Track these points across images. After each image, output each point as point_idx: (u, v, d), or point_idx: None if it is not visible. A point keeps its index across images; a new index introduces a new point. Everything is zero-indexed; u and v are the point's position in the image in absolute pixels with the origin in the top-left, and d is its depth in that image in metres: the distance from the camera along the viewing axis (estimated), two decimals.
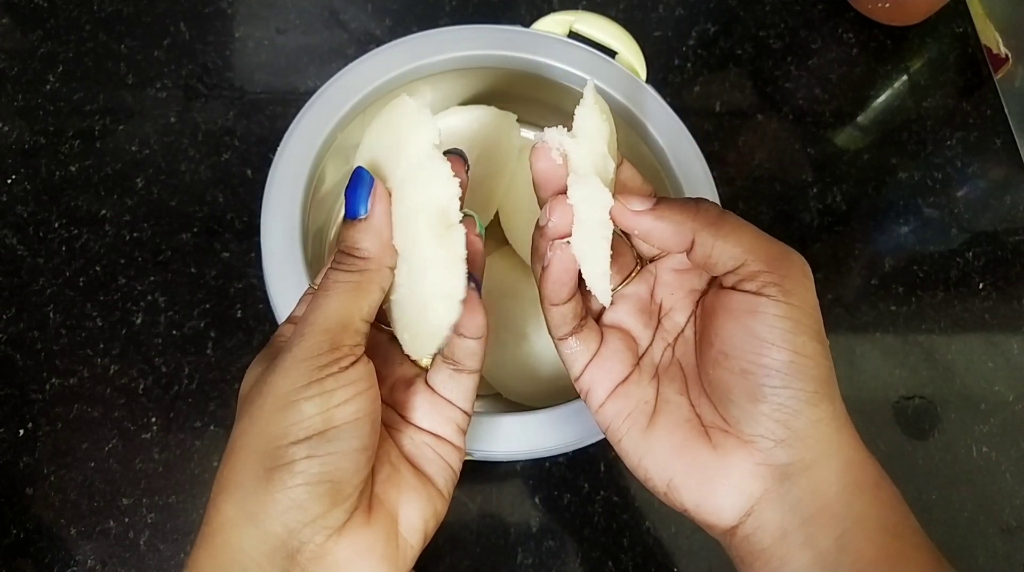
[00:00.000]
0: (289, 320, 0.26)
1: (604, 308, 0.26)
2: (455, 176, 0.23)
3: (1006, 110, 0.50)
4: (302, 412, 0.21)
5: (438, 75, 0.37)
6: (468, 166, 0.26)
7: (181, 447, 0.38)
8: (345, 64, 0.35)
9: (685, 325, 0.26)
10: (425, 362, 0.27)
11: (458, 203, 0.23)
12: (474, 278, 0.24)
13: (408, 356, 0.27)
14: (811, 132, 0.48)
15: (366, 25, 0.48)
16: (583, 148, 0.24)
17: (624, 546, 0.38)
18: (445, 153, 0.24)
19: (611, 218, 0.24)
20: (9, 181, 0.42)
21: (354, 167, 0.24)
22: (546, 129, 0.25)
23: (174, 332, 0.40)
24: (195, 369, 0.39)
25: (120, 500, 0.37)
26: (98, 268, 0.41)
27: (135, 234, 0.41)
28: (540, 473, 0.39)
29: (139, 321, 0.40)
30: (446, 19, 0.49)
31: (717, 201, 0.35)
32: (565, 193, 0.24)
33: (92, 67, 0.45)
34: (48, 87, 0.44)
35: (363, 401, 0.22)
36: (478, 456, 0.30)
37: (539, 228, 0.25)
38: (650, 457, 0.25)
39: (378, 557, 0.22)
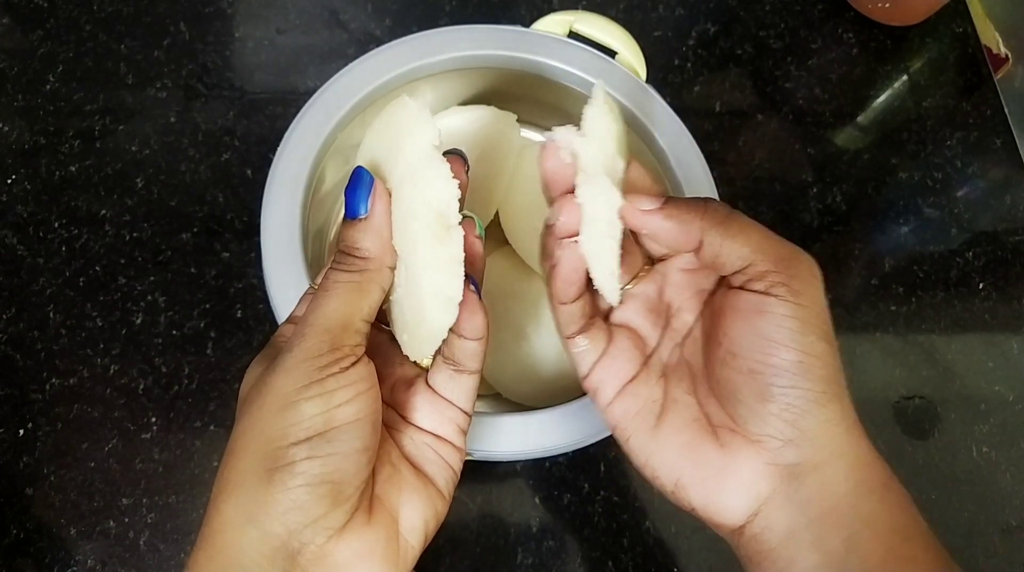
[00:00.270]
0: (289, 320, 0.26)
1: (612, 307, 0.26)
2: (454, 177, 0.23)
3: (1006, 110, 0.50)
4: (302, 412, 0.21)
5: (438, 75, 0.37)
6: (468, 166, 0.26)
7: (181, 447, 0.38)
8: (345, 64, 0.35)
9: (694, 325, 0.26)
10: (425, 362, 0.27)
11: (457, 204, 0.23)
12: (473, 280, 0.24)
13: (408, 356, 0.27)
14: (811, 132, 0.48)
15: (366, 25, 0.48)
16: (592, 147, 0.24)
17: (624, 546, 0.38)
18: (445, 153, 0.24)
19: (620, 217, 0.24)
20: (9, 181, 0.42)
21: (354, 167, 0.24)
22: (555, 128, 0.25)
23: (174, 332, 0.40)
24: (195, 369, 0.39)
25: (120, 500, 0.37)
26: (98, 268, 0.41)
27: (135, 234, 0.41)
28: (540, 473, 0.39)
29: (139, 321, 0.40)
30: (446, 19, 0.49)
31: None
32: (574, 192, 0.24)
33: (92, 67, 0.45)
34: (48, 87, 0.44)
35: (364, 401, 0.22)
36: (478, 456, 0.30)
37: (548, 227, 0.25)
38: (658, 456, 0.25)
39: (379, 558, 0.22)
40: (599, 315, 0.26)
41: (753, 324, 0.22)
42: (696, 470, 0.24)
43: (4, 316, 0.39)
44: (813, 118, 0.49)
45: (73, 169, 0.43)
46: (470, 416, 0.26)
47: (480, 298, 0.24)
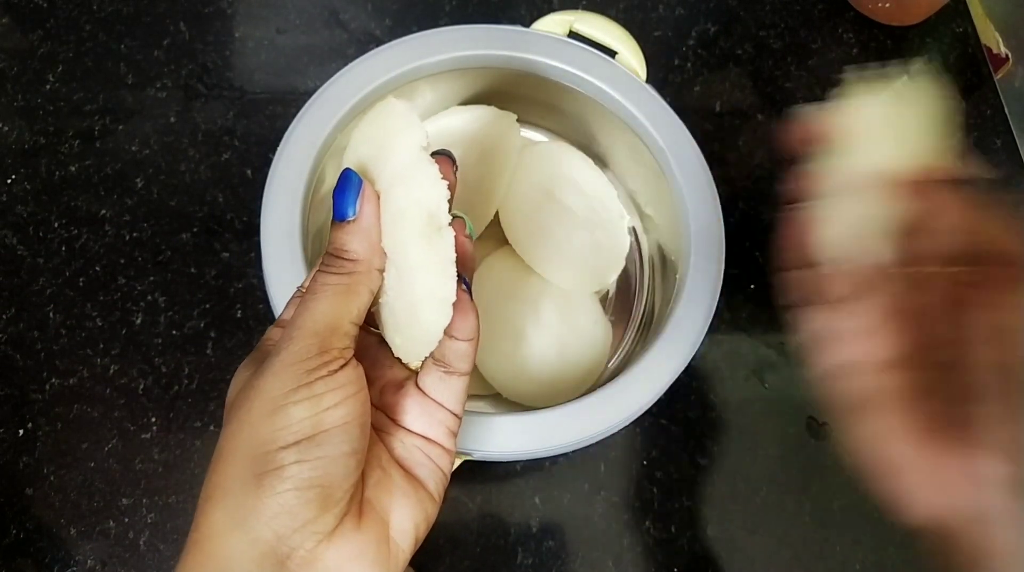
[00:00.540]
0: (277, 323, 0.26)
1: None
2: (443, 178, 0.23)
3: (1006, 110, 0.50)
4: (291, 416, 0.21)
5: (438, 75, 0.37)
6: (456, 167, 0.26)
7: (181, 447, 0.38)
8: (345, 64, 0.35)
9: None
10: (414, 365, 0.27)
11: (446, 206, 0.23)
12: (465, 280, 0.24)
13: (399, 359, 0.27)
14: None
15: (366, 25, 0.48)
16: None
17: (624, 546, 0.38)
18: (433, 154, 0.24)
19: None
20: (9, 181, 0.42)
21: (342, 169, 0.24)
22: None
23: (174, 332, 0.40)
24: (195, 369, 0.39)
25: (120, 500, 0.37)
26: (98, 268, 0.41)
27: (135, 234, 0.41)
28: (540, 473, 0.39)
29: (139, 321, 0.40)
30: (446, 19, 0.49)
31: (717, 203, 0.35)
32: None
33: (92, 67, 0.45)
34: (48, 87, 0.44)
35: (353, 405, 0.22)
36: (478, 456, 0.30)
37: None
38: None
39: (369, 562, 0.22)
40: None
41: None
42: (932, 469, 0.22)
43: (4, 316, 0.39)
44: None
45: (73, 169, 0.43)
46: (460, 418, 0.26)
47: (471, 298, 0.24)
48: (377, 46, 0.36)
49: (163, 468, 0.37)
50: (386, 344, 0.27)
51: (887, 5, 0.50)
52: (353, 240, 0.23)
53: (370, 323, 0.25)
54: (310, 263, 0.32)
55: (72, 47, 0.46)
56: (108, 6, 0.47)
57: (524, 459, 0.36)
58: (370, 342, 0.26)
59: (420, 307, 0.23)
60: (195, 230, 0.42)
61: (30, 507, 0.36)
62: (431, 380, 0.25)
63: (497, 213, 0.39)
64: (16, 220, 0.41)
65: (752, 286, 0.44)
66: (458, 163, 0.38)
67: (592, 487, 0.39)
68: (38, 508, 0.36)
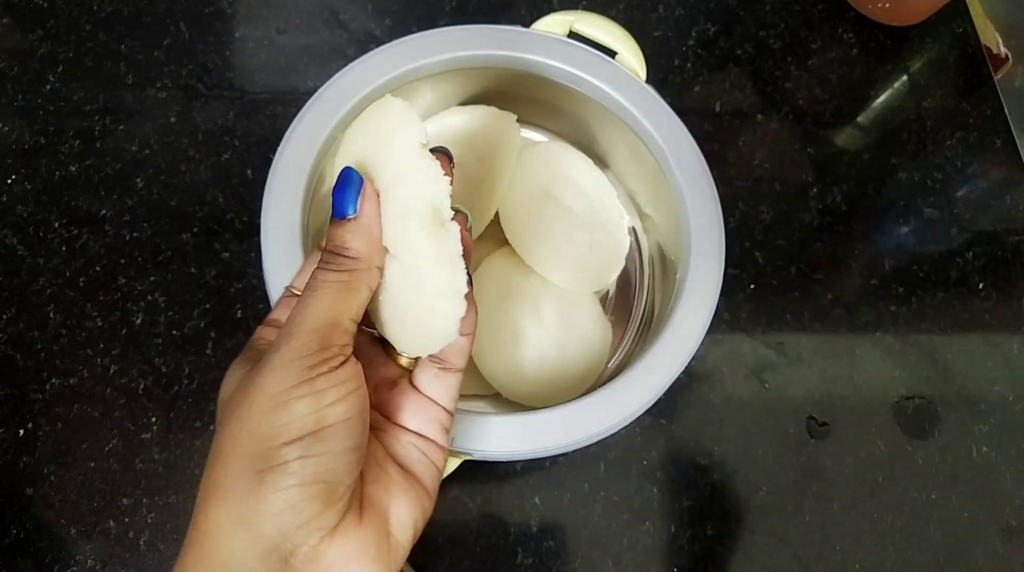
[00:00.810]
0: (267, 323, 0.26)
1: None
2: (445, 174, 0.23)
3: (1006, 110, 0.50)
4: (294, 412, 0.21)
5: (438, 75, 0.37)
6: (453, 163, 0.26)
7: (181, 447, 0.38)
8: (345, 64, 0.35)
9: None
10: (404, 361, 0.27)
11: (449, 201, 0.23)
12: (468, 274, 0.24)
13: (395, 357, 0.27)
14: (811, 132, 0.48)
15: (366, 25, 0.48)
16: None
17: (624, 546, 0.38)
18: (431, 151, 0.24)
19: None
20: (9, 181, 0.42)
21: (341, 168, 0.24)
22: None
23: (174, 332, 0.40)
24: (195, 369, 0.39)
25: (120, 500, 0.37)
26: (98, 268, 0.41)
27: (135, 234, 0.41)
28: (540, 473, 0.39)
29: (139, 321, 0.40)
30: (446, 19, 0.49)
31: (717, 203, 0.35)
32: None
33: (92, 67, 0.45)
34: (48, 87, 0.44)
35: (354, 401, 0.22)
36: (478, 456, 0.30)
37: None
38: None
39: (371, 558, 0.22)
40: None
41: None
42: None
43: (4, 316, 0.39)
44: (813, 118, 0.49)
45: (73, 169, 0.43)
46: (452, 415, 0.26)
47: (472, 293, 0.24)
48: (377, 46, 0.36)
49: (163, 468, 0.37)
50: (378, 342, 0.27)
51: (887, 5, 0.50)
52: (354, 238, 0.23)
53: (362, 321, 0.25)
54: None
55: (72, 47, 0.46)
56: (108, 6, 0.47)
57: (524, 459, 0.36)
58: (362, 341, 0.26)
59: (432, 301, 0.23)
60: (195, 230, 0.42)
61: (30, 507, 0.36)
62: (426, 377, 0.26)
63: (497, 213, 0.39)
64: (16, 220, 0.41)
65: (752, 286, 0.44)
66: (458, 163, 0.38)
67: (592, 487, 0.39)
68: (38, 508, 0.36)
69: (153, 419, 0.38)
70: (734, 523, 0.39)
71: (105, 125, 0.44)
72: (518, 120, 0.41)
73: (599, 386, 0.32)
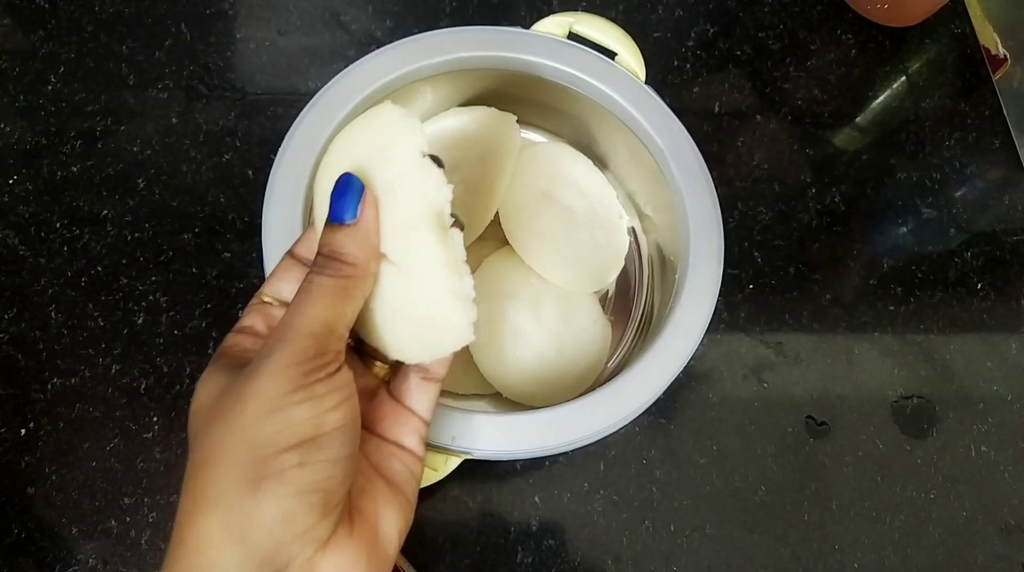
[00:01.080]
0: (238, 330, 0.25)
1: None
2: (448, 182, 0.23)
3: (1004, 111, 0.50)
4: (292, 417, 0.20)
5: (438, 76, 0.37)
6: (445, 169, 0.26)
7: (183, 446, 0.38)
8: (346, 65, 0.35)
9: None
10: (381, 372, 0.27)
11: (450, 207, 0.23)
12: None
13: (371, 366, 0.27)
14: (810, 133, 0.49)
15: (367, 26, 0.48)
16: None
17: (624, 545, 0.38)
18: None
19: None
20: (11, 181, 0.42)
21: (331, 172, 0.24)
22: None
23: (176, 332, 0.40)
24: (197, 369, 0.39)
25: (122, 499, 0.37)
26: (100, 268, 0.41)
27: (136, 234, 0.42)
28: (540, 472, 0.39)
29: (141, 321, 0.40)
30: (446, 20, 0.49)
31: (716, 203, 0.35)
32: None
33: (93, 68, 0.45)
34: (50, 88, 0.45)
35: (349, 407, 0.21)
36: (478, 455, 0.30)
37: None
38: None
39: (362, 570, 0.21)
40: None
41: None
42: None
43: (6, 316, 0.39)
44: (812, 119, 0.49)
45: (75, 169, 0.43)
46: (428, 425, 0.26)
47: None
48: (378, 47, 0.36)
49: (165, 467, 0.37)
50: (356, 352, 0.27)
51: (885, 6, 0.50)
52: (351, 243, 0.23)
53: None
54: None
55: (74, 48, 0.46)
56: (110, 7, 0.47)
57: (524, 458, 0.36)
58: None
59: (441, 307, 0.23)
60: (197, 230, 0.42)
61: (32, 506, 0.36)
62: (407, 386, 0.25)
63: (497, 213, 0.40)
64: (18, 220, 0.41)
65: (751, 286, 0.44)
66: (458, 164, 0.39)
67: (592, 486, 0.39)
68: (40, 507, 0.36)
69: (155, 418, 0.38)
70: (733, 522, 0.39)
71: (106, 126, 0.44)
72: (518, 121, 0.41)
73: (599, 386, 0.32)
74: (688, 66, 0.49)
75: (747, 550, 0.39)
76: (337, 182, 0.23)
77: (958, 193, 0.48)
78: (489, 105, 0.41)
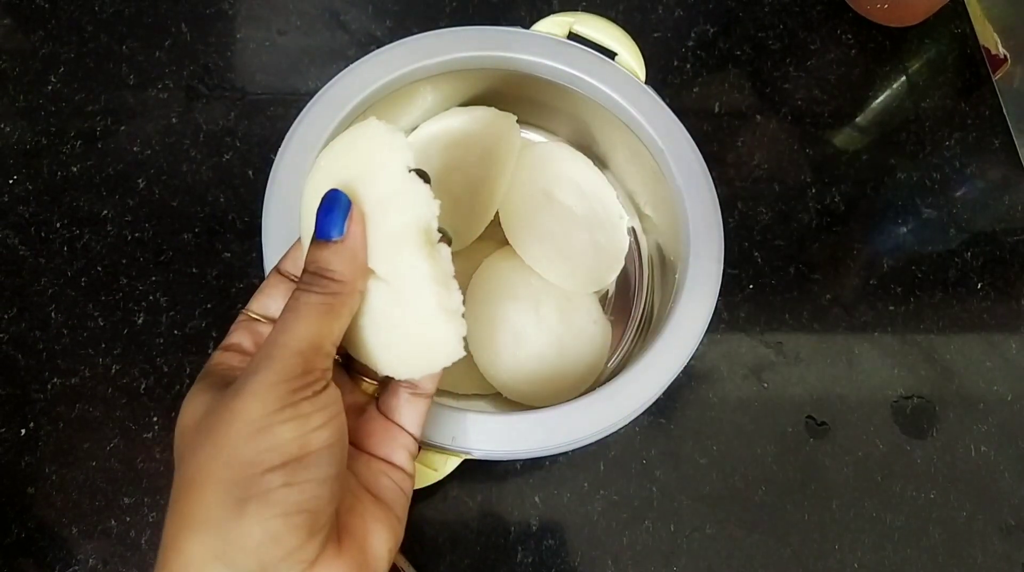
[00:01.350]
0: (225, 348, 0.25)
1: None
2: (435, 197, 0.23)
3: (1004, 111, 0.50)
4: (277, 437, 0.20)
5: (438, 76, 0.37)
6: (430, 184, 0.26)
7: None
8: (346, 65, 0.35)
9: None
10: (370, 388, 0.27)
11: (437, 222, 0.23)
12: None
13: (359, 383, 0.26)
14: (810, 133, 0.49)
15: (367, 26, 0.48)
16: None
17: (623, 544, 0.38)
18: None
19: None
20: (11, 181, 0.42)
21: (318, 188, 0.23)
22: None
23: (176, 332, 0.40)
24: (197, 369, 0.39)
25: (122, 499, 0.37)
26: (100, 268, 0.41)
27: (136, 234, 0.42)
28: (540, 472, 0.39)
29: (141, 321, 0.40)
30: (446, 20, 0.49)
31: (716, 203, 0.35)
32: None
33: (93, 68, 0.45)
34: (50, 88, 0.45)
35: (336, 426, 0.21)
36: (478, 455, 0.30)
37: None
38: None
39: None
40: None
41: None
42: None
43: (6, 316, 0.39)
44: (812, 119, 0.49)
45: (75, 169, 0.43)
46: (418, 443, 0.26)
47: None
48: (378, 47, 0.36)
49: (165, 467, 0.37)
50: (344, 368, 0.26)
51: (885, 6, 0.50)
52: (338, 260, 0.22)
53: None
54: None
55: (74, 48, 0.46)
56: (109, 7, 0.47)
57: (524, 458, 0.36)
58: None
59: (431, 322, 0.23)
60: (197, 230, 0.42)
61: (32, 506, 0.36)
62: (396, 402, 0.25)
63: (497, 213, 0.40)
64: (18, 220, 0.41)
65: (751, 286, 0.44)
66: (458, 164, 0.39)
67: (592, 486, 0.39)
68: (40, 507, 0.36)
69: (155, 418, 0.38)
70: (733, 522, 0.39)
71: (106, 126, 0.44)
72: (518, 121, 0.41)
73: (599, 386, 0.32)
74: (688, 66, 0.49)
75: (747, 550, 0.39)
76: (323, 198, 0.23)
77: (958, 193, 0.48)
78: (489, 105, 0.41)
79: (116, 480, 0.37)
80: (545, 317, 0.38)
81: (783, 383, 0.42)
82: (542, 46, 0.37)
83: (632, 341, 0.40)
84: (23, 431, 0.37)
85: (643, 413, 0.32)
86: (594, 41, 0.38)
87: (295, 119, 0.34)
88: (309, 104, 0.35)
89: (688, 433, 0.40)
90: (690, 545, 0.38)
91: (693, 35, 0.50)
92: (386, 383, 0.27)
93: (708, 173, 0.36)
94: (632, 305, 0.41)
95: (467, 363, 0.38)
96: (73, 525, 0.36)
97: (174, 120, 0.44)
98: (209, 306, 0.40)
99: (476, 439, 0.30)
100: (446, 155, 0.40)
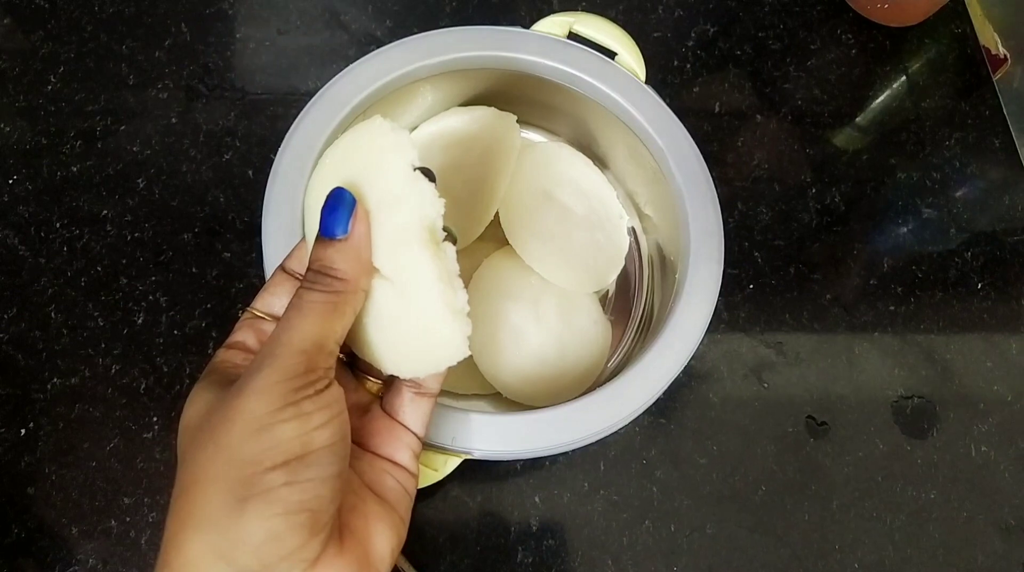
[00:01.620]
0: (229, 346, 0.25)
1: None
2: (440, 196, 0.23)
3: (1004, 111, 0.50)
4: (279, 435, 0.20)
5: (438, 76, 0.37)
6: (435, 183, 0.26)
7: None
8: (346, 65, 0.35)
9: None
10: (375, 387, 0.27)
11: (442, 221, 0.23)
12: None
13: (364, 382, 0.26)
14: (810, 132, 0.49)
15: (367, 26, 0.48)
16: None
17: (624, 545, 0.38)
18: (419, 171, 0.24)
19: None
20: (11, 181, 0.42)
21: (322, 186, 0.23)
22: None
23: (175, 332, 0.40)
24: (196, 369, 0.39)
25: (121, 499, 0.37)
26: (99, 268, 0.41)
27: (136, 234, 0.42)
28: (540, 472, 0.39)
29: (140, 321, 0.40)
30: (446, 20, 0.49)
31: (716, 203, 0.35)
32: None
33: (93, 68, 0.45)
34: (49, 88, 0.45)
35: (339, 425, 0.21)
36: (478, 455, 0.30)
37: None
38: None
39: None
40: None
41: None
42: None
43: (5, 316, 0.39)
44: (812, 118, 0.49)
45: (74, 169, 0.43)
46: (422, 441, 0.26)
47: None
48: (378, 47, 0.36)
49: (164, 467, 0.37)
50: (348, 367, 0.26)
51: (886, 6, 0.50)
52: (342, 258, 0.22)
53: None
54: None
55: (74, 48, 0.46)
56: (109, 7, 0.47)
57: (524, 458, 0.36)
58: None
59: (436, 321, 0.23)
60: (196, 230, 0.42)
61: (32, 506, 0.36)
62: (400, 402, 0.25)
63: (497, 213, 0.40)
64: (18, 220, 0.41)
65: (751, 286, 0.44)
66: (458, 164, 0.39)
67: (592, 486, 0.39)
68: (40, 507, 0.36)
69: (154, 418, 0.38)
70: (733, 522, 0.39)
71: (106, 125, 0.44)
72: (518, 121, 0.41)
73: (599, 386, 0.32)
74: (688, 66, 0.49)
75: (747, 550, 0.39)
76: (328, 196, 0.23)
77: (958, 193, 0.48)
78: (489, 105, 0.41)
79: (116, 480, 0.37)
80: (545, 317, 0.38)
81: (783, 383, 0.42)
82: (542, 46, 0.37)
83: (632, 341, 0.40)
84: (23, 431, 0.37)
85: (643, 413, 0.32)
86: (594, 41, 0.38)
87: (295, 119, 0.34)
88: (309, 104, 0.35)
89: (688, 433, 0.40)
90: (690, 545, 0.38)
91: (693, 35, 0.50)
92: (391, 382, 0.26)
93: (708, 173, 0.36)
94: (632, 305, 0.41)
95: (467, 363, 0.37)
96: (73, 525, 0.36)
97: (174, 120, 0.44)
98: (209, 306, 0.40)
99: (476, 439, 0.30)
100: (446, 155, 0.40)
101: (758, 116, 0.49)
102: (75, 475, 0.37)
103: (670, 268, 0.38)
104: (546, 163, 0.41)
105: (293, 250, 0.27)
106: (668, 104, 0.37)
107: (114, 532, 0.36)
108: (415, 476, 0.25)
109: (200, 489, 0.20)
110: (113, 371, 0.39)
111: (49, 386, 0.38)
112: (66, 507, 0.36)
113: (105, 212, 0.42)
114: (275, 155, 0.34)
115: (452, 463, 0.31)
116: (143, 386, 0.39)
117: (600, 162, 0.42)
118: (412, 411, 0.25)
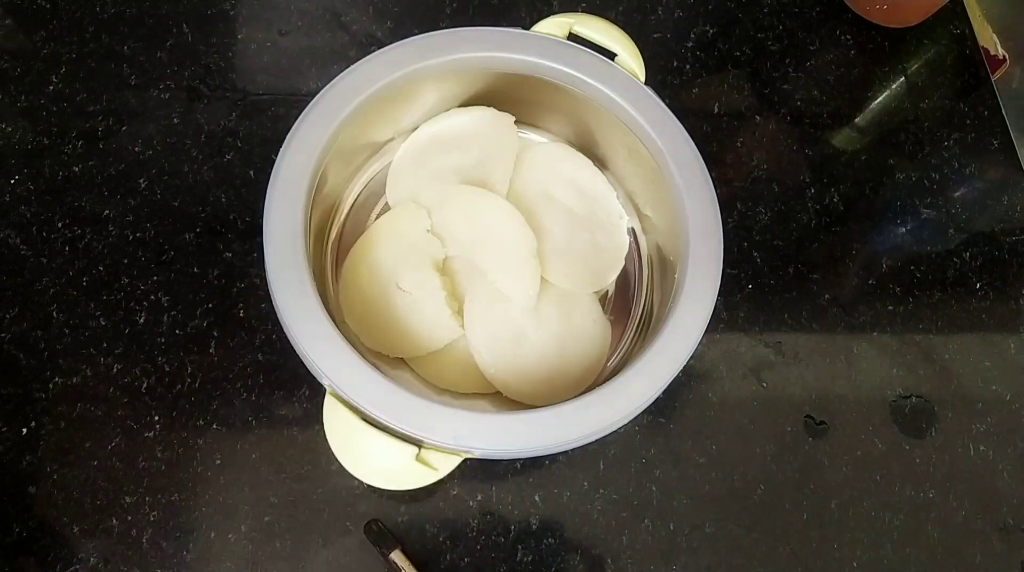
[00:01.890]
0: None
1: None
2: None
3: (1003, 111, 0.50)
4: None
5: (438, 76, 0.38)
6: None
7: (184, 445, 0.38)
8: (347, 66, 0.36)
9: None
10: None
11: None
12: None
13: None
14: (809, 133, 0.49)
15: (367, 27, 0.49)
16: None
17: (623, 544, 0.38)
18: None
19: None
20: (12, 181, 0.42)
21: None
22: None
23: (177, 331, 0.40)
24: (198, 368, 0.39)
25: (123, 498, 0.37)
26: (101, 268, 0.41)
27: (138, 234, 0.42)
28: (540, 471, 0.39)
29: (142, 320, 0.40)
30: (447, 21, 0.49)
31: (715, 203, 0.35)
32: None
33: (95, 68, 0.45)
34: (51, 88, 0.45)
35: None
36: (478, 455, 0.30)
37: None
38: None
39: None
40: None
41: None
42: None
43: (7, 315, 0.40)
44: (811, 119, 0.49)
45: (76, 169, 0.43)
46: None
47: None
48: (378, 48, 0.36)
49: (166, 466, 0.37)
50: None
51: (884, 7, 0.50)
52: None
53: None
54: (312, 262, 0.32)
55: (75, 48, 0.46)
56: (111, 8, 0.47)
57: (524, 457, 0.36)
58: None
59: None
60: (198, 230, 0.42)
61: (33, 505, 0.36)
62: None
63: None
64: (19, 220, 0.42)
65: (750, 286, 0.44)
66: (458, 164, 0.39)
67: (592, 485, 0.39)
68: (41, 506, 0.36)
69: (156, 418, 0.38)
70: (732, 522, 0.39)
71: (108, 126, 0.44)
72: (517, 121, 0.41)
73: (598, 385, 0.32)
74: (688, 67, 0.50)
75: (746, 549, 0.39)
76: None
77: (957, 193, 0.48)
78: (489, 105, 0.41)
79: (117, 479, 0.37)
80: (545, 317, 0.38)
81: (782, 383, 0.42)
82: (542, 47, 0.37)
83: (632, 341, 0.40)
84: (24, 430, 0.38)
85: (643, 413, 0.32)
86: (594, 42, 0.38)
87: (296, 119, 0.34)
88: (310, 104, 0.35)
89: (687, 432, 0.40)
90: (689, 544, 0.38)
91: (693, 36, 0.50)
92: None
93: (708, 173, 0.36)
94: (632, 305, 0.42)
95: (467, 363, 0.38)
96: (74, 524, 0.36)
97: (175, 120, 0.45)
98: (210, 306, 0.40)
99: (476, 438, 0.30)
100: (446, 155, 0.40)
101: (757, 117, 0.49)
102: (76, 474, 0.37)
103: (670, 268, 0.39)
104: (546, 163, 0.41)
105: None
106: (668, 105, 0.37)
107: (115, 531, 0.36)
108: None
109: None
110: (115, 370, 0.39)
111: (51, 385, 0.38)
112: (67, 506, 0.36)
113: (107, 212, 0.42)
114: (276, 155, 0.34)
115: (452, 462, 0.31)
116: (144, 385, 0.39)
117: (600, 162, 0.43)
118: None
